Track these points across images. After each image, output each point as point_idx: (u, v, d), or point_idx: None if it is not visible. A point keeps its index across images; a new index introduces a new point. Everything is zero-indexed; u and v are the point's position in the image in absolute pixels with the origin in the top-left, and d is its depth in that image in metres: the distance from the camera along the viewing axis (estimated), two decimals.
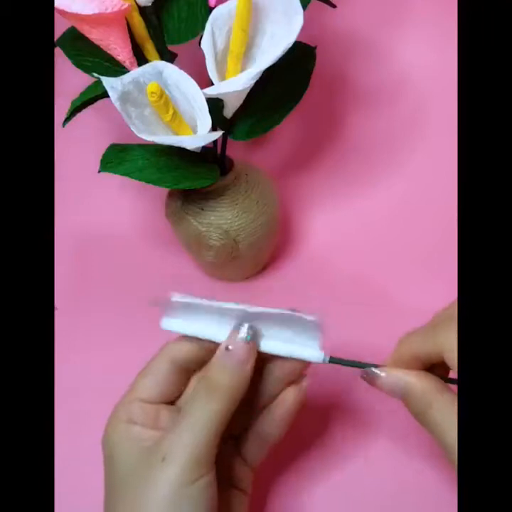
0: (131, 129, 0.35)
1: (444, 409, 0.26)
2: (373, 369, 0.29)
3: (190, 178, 0.40)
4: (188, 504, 0.27)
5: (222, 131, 0.39)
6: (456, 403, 0.26)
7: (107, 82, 0.35)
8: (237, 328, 0.30)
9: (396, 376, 0.28)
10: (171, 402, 0.32)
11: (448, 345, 0.26)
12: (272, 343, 0.30)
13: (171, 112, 0.36)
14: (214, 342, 0.30)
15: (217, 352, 0.30)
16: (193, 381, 0.32)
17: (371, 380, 0.29)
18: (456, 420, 0.25)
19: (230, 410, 0.28)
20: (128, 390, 0.32)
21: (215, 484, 0.28)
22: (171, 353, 0.31)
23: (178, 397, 0.32)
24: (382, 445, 0.37)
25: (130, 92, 0.36)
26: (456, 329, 0.25)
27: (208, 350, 0.30)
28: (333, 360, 0.30)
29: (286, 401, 0.31)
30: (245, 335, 0.29)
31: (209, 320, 0.30)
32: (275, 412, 0.31)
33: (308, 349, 0.29)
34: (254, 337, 0.30)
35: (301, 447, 0.38)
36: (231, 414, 0.29)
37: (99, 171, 0.39)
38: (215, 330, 0.30)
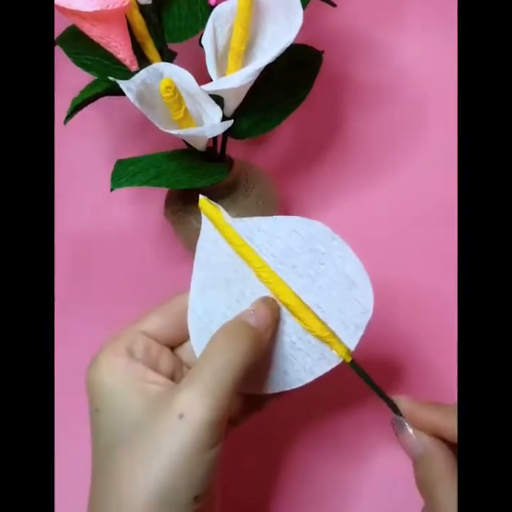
0: (156, 125, 0.35)
1: (447, 494, 0.27)
2: (405, 423, 0.29)
3: (204, 176, 0.39)
4: (202, 471, 0.24)
5: (232, 120, 0.39)
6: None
7: (123, 84, 0.35)
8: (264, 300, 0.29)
9: (420, 440, 0.28)
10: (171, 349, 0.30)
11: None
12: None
13: (183, 107, 0.36)
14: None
15: (240, 313, 0.29)
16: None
17: (397, 428, 0.29)
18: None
19: (247, 365, 0.26)
20: (129, 325, 0.29)
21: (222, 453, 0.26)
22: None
23: (176, 346, 0.30)
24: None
25: (143, 93, 0.36)
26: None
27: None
28: (354, 366, 0.29)
29: None
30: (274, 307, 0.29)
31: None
32: None
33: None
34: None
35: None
36: (247, 371, 0.26)
37: (112, 189, 0.37)
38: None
